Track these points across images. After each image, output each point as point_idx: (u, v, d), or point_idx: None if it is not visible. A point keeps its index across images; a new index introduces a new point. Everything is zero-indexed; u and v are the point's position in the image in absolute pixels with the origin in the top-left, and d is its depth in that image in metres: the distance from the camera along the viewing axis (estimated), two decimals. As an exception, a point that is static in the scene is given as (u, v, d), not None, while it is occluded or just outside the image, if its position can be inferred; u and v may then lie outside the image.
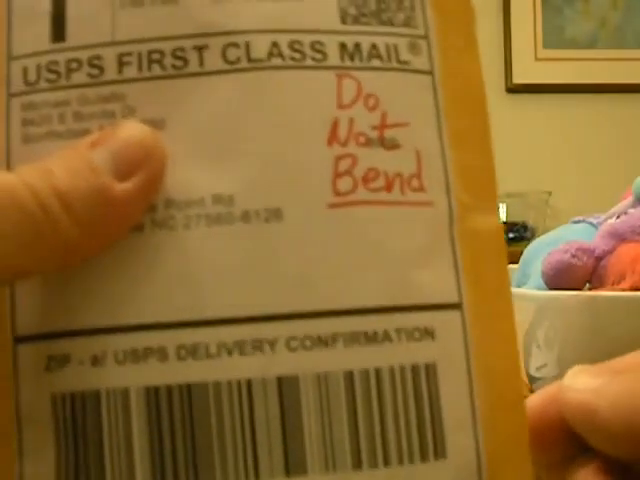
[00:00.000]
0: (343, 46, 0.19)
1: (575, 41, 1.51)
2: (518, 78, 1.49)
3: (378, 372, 0.17)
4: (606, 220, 0.47)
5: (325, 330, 0.17)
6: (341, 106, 0.18)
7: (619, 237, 0.44)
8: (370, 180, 0.18)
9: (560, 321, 0.39)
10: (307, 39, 0.19)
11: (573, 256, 0.43)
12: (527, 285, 0.47)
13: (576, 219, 0.52)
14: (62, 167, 0.16)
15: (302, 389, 0.17)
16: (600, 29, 1.52)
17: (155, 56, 0.18)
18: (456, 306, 0.18)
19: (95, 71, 0.18)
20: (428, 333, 0.18)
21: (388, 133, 0.18)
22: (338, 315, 0.17)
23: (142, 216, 0.17)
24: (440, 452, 0.17)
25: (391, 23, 0.19)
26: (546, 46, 1.50)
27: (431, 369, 0.18)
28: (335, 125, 0.18)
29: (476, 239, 0.19)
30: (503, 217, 1.34)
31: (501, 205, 1.34)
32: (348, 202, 0.18)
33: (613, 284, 0.41)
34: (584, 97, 1.51)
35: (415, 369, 0.17)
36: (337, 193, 0.18)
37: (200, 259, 0.17)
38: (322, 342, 0.17)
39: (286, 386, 0.17)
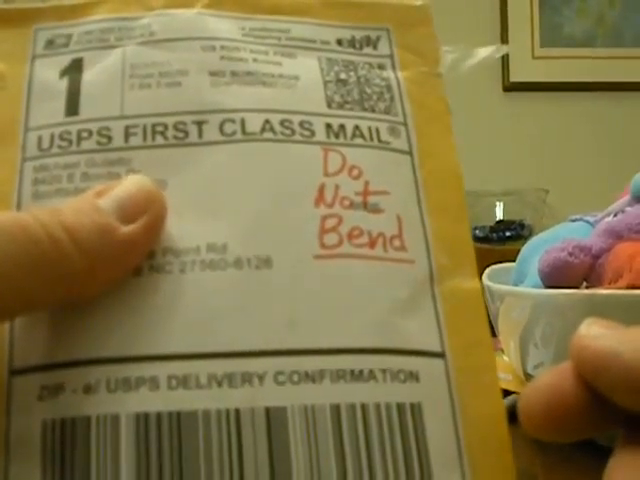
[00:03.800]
0: (329, 126, 0.21)
1: (572, 39, 1.51)
2: (515, 76, 1.49)
3: (364, 407, 0.18)
4: (603, 218, 0.47)
5: (312, 366, 0.18)
6: (327, 174, 0.20)
7: (616, 235, 0.43)
8: (354, 237, 0.20)
9: (557, 319, 0.39)
10: (296, 119, 0.21)
11: (570, 254, 0.43)
12: (524, 283, 0.47)
13: (573, 217, 0.52)
14: (69, 207, 0.18)
15: (290, 420, 0.17)
16: (597, 27, 1.52)
17: (159, 128, 0.20)
18: (439, 355, 0.19)
19: (104, 139, 0.20)
20: (413, 376, 0.19)
21: (371, 199, 0.20)
22: (324, 353, 0.18)
23: (142, 261, 0.19)
24: None
25: (372, 110, 0.22)
26: (543, 45, 1.50)
27: (416, 409, 0.18)
28: (322, 189, 0.20)
29: (456, 298, 0.20)
30: (500, 215, 1.34)
31: (498, 203, 1.34)
32: (334, 254, 0.19)
33: (610, 282, 0.41)
34: (582, 95, 1.51)
35: (401, 408, 0.18)
36: (323, 246, 0.19)
37: (193, 298, 0.18)
38: (309, 377, 0.18)
39: (274, 417, 0.17)
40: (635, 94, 1.52)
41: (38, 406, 0.17)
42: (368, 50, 0.23)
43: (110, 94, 0.21)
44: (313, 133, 0.21)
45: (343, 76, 0.22)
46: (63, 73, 0.21)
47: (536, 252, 0.47)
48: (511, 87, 1.50)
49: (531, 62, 1.50)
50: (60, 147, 0.20)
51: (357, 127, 0.21)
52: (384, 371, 0.18)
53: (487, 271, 0.50)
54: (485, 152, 1.48)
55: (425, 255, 0.20)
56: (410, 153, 0.22)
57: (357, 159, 0.21)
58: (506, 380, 0.48)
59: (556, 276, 0.43)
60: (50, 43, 0.22)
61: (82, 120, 0.20)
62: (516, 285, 0.48)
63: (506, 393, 0.45)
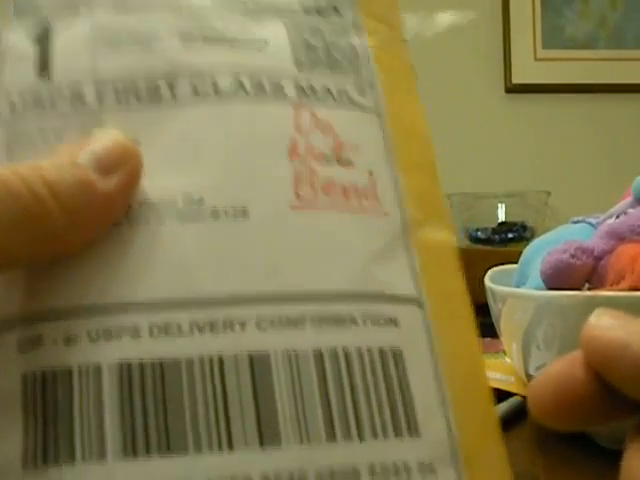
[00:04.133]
0: (299, 86, 0.22)
1: (574, 41, 1.51)
2: (517, 78, 1.49)
3: (346, 351, 0.18)
4: (605, 220, 0.47)
5: (293, 312, 0.18)
6: (299, 129, 0.21)
7: (618, 237, 0.43)
8: (329, 189, 0.20)
9: (559, 321, 0.39)
10: (267, 79, 0.21)
11: (572, 256, 0.43)
12: (526, 285, 0.47)
13: (575, 219, 0.52)
14: (49, 163, 0.18)
15: (273, 365, 0.17)
16: (599, 29, 1.52)
17: (132, 90, 0.21)
18: (416, 301, 0.20)
19: (77, 102, 0.20)
20: (392, 322, 0.19)
21: (342, 153, 0.21)
22: (304, 299, 0.18)
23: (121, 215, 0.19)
24: (413, 430, 0.18)
25: (341, 72, 0.23)
26: (545, 46, 1.50)
27: (397, 353, 0.19)
28: (294, 144, 0.21)
29: (430, 249, 0.21)
30: (502, 217, 1.34)
31: (500, 205, 1.34)
32: (309, 206, 0.20)
33: (612, 284, 0.41)
34: (584, 97, 1.51)
35: (382, 352, 0.18)
36: (299, 197, 0.20)
37: (172, 248, 0.18)
38: (291, 322, 0.18)
39: (257, 362, 0.17)
40: (637, 96, 1.52)
41: (18, 359, 0.17)
42: (334, 18, 0.24)
43: (82, 59, 0.21)
44: (284, 93, 0.21)
45: (311, 41, 0.23)
46: (33, 40, 0.21)
47: (538, 254, 0.47)
48: (513, 89, 1.49)
49: (533, 64, 1.50)
50: (33, 111, 0.20)
51: (326, 87, 0.22)
52: (364, 316, 0.19)
53: (489, 273, 0.50)
54: (487, 154, 1.48)
55: (397, 208, 0.21)
56: (378, 113, 0.22)
57: (327, 116, 0.21)
58: (508, 382, 0.48)
59: (558, 278, 0.43)
60: (19, 12, 0.22)
61: (55, 84, 0.21)
62: (518, 287, 0.48)
63: (508, 395, 0.45)
